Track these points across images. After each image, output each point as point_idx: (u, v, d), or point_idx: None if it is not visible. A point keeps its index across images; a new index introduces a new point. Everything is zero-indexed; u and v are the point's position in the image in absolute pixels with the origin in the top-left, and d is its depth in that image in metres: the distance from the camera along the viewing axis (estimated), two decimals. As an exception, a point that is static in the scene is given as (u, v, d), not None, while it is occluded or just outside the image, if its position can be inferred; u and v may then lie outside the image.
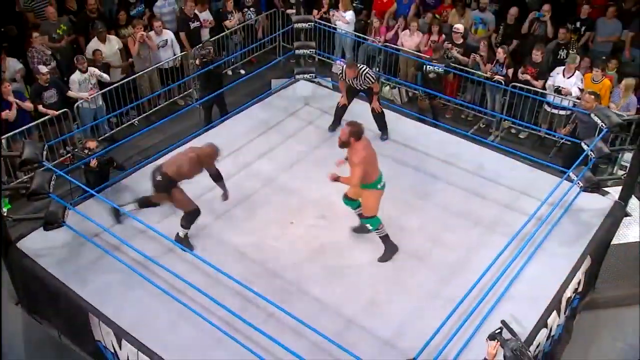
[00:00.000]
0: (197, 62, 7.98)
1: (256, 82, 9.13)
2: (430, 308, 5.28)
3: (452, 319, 4.80)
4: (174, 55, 9.13)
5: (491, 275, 5.22)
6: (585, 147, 6.08)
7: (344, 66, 7.14)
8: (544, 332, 5.14)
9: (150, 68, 8.90)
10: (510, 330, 4.50)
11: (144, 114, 8.95)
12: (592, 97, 7.02)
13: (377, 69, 9.56)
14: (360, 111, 7.54)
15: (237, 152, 7.06)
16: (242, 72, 9.97)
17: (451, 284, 5.51)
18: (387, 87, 9.65)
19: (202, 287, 5.16)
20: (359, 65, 7.09)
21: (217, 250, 5.78)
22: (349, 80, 7.13)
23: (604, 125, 5.99)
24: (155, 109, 9.04)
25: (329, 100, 8.02)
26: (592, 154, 6.01)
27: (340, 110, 7.37)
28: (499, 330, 4.43)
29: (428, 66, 8.39)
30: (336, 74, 9.78)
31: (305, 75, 8.24)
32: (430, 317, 5.12)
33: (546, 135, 8.79)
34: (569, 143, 7.86)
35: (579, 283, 5.72)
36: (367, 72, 7.01)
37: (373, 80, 7.09)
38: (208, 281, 5.36)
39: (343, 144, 5.53)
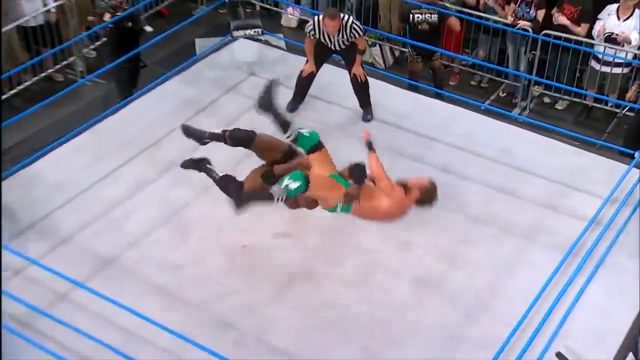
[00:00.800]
0: (106, 17, 7.99)
1: (172, 43, 9.14)
2: (453, 357, 5.41)
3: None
4: (44, 6, 9.04)
5: (537, 306, 5.39)
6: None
7: (320, 17, 7.22)
8: (617, 383, 5.34)
9: (9, 27, 8.76)
10: None
11: (2, 97, 8.82)
12: None
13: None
14: (330, 80, 7.66)
15: (155, 148, 7.09)
16: (149, 29, 9.93)
17: (479, 320, 5.66)
18: (364, 45, 9.82)
19: (118, 345, 5.14)
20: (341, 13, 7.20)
21: (138, 290, 5.78)
22: (324, 38, 7.23)
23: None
24: (20, 88, 8.94)
25: (283, 65, 8.11)
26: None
27: (306, 81, 7.48)
28: None
29: (416, 15, 8.57)
30: (288, 28, 9.89)
31: (247, 32, 8.28)
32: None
33: (595, 104, 9.09)
34: (632, 114, 8.17)
35: (659, 310, 5.95)
36: (353, 23, 7.17)
37: (360, 34, 7.22)
38: (125, 337, 5.35)
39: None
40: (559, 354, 4.88)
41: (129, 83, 8.37)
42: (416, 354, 5.45)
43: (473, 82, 9.78)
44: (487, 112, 7.93)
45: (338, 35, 7.18)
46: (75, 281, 5.50)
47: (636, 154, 6.39)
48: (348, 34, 7.18)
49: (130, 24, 8.13)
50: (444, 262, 6.13)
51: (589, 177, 6.87)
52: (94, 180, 6.79)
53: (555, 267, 5.30)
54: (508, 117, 8.07)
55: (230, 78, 8.06)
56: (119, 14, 7.95)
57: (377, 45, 9.85)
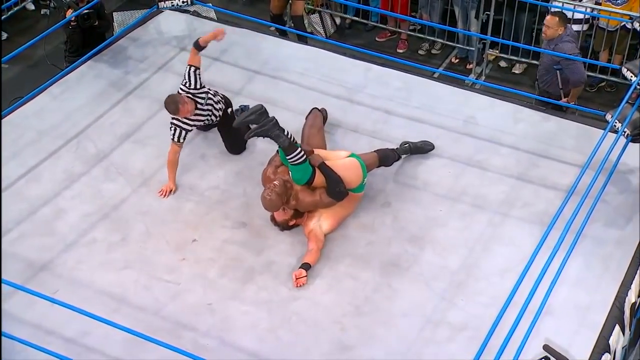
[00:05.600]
0: (68, 13, 7.85)
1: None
2: (431, 343, 5.59)
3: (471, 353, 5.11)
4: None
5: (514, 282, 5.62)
6: (628, 74, 6.61)
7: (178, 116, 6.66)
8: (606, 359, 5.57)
9: None
10: (559, 357, 4.94)
11: None
12: (556, 19, 7.64)
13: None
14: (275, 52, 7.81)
15: (81, 137, 7.12)
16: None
17: (456, 302, 5.86)
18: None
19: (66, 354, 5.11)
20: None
21: (76, 296, 5.75)
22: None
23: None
24: None
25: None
26: (640, 86, 6.53)
27: None
28: None
29: None
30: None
31: (174, 2, 8.26)
32: (433, 355, 5.47)
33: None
34: (593, 74, 8.49)
35: (643, 280, 6.24)
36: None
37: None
38: (71, 347, 5.39)
39: None
40: (546, 347, 5.08)
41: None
42: (394, 343, 5.61)
43: (421, 51, 10.03)
44: (445, 79, 8.12)
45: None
46: (13, 284, 5.39)
47: (607, 116, 6.63)
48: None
49: (96, 22, 8.01)
50: (413, 244, 6.30)
51: (558, 143, 7.14)
52: (13, 178, 6.77)
53: (537, 243, 5.39)
54: (466, 83, 8.26)
55: (160, 56, 8.09)
56: (88, 18, 7.88)
57: (317, 13, 10.01)
